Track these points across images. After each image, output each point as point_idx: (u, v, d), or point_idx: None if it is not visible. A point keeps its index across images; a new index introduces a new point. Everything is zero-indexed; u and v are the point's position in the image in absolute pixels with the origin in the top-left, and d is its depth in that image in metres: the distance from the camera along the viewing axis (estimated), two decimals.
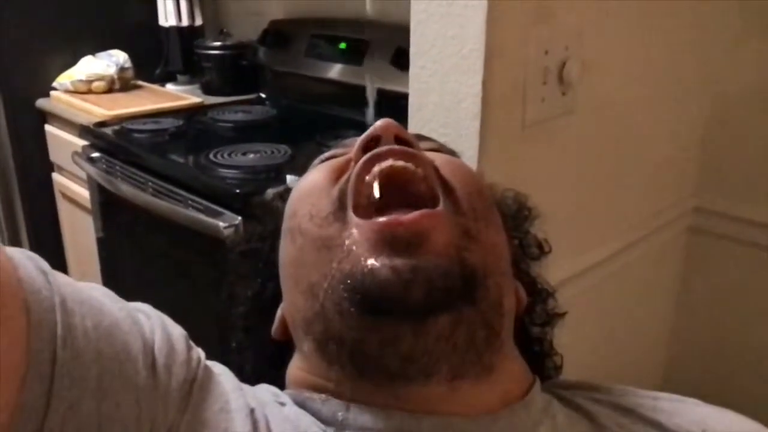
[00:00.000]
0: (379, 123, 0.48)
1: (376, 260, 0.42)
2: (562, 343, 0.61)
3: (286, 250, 0.49)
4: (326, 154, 0.54)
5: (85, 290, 0.40)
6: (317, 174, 0.50)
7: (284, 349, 0.51)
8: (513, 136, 0.78)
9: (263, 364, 0.55)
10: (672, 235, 1.14)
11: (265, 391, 0.47)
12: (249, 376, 0.50)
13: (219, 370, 0.45)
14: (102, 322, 0.38)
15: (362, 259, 0.42)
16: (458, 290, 0.42)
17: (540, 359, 0.58)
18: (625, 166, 0.98)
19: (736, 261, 1.13)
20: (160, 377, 0.39)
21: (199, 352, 0.44)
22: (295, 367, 0.49)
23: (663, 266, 1.16)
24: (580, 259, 0.93)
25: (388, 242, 0.42)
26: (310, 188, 0.49)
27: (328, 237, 0.45)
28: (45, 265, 0.39)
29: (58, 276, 0.39)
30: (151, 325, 0.42)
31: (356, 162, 0.47)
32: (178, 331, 0.43)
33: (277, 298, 0.52)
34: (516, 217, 0.59)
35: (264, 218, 0.58)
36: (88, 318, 0.38)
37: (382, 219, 0.43)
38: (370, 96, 1.58)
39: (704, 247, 1.16)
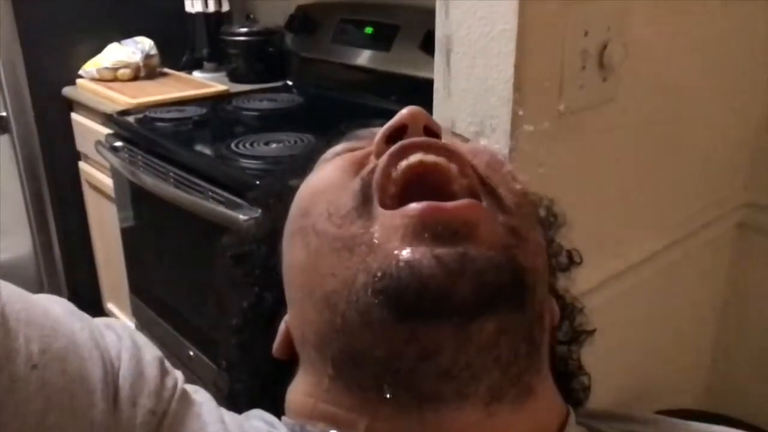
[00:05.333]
0: (405, 111, 0.41)
1: (413, 251, 0.35)
2: (593, 358, 0.55)
3: (294, 255, 0.42)
4: (339, 147, 0.47)
5: (40, 307, 0.34)
6: (332, 169, 0.43)
7: (283, 368, 0.45)
8: (548, 125, 0.72)
9: (258, 385, 0.49)
10: (720, 233, 1.06)
11: (257, 419, 0.41)
12: (240, 398, 0.45)
13: (201, 398, 0.39)
14: (53, 346, 0.33)
15: (395, 251, 0.35)
16: (508, 290, 0.36)
17: (567, 380, 0.51)
18: (669, 159, 0.91)
19: None
20: (123, 410, 0.34)
21: (176, 378, 0.38)
22: (299, 392, 0.42)
23: (709, 265, 1.09)
24: (618, 260, 0.86)
25: (430, 229, 0.35)
26: (325, 184, 0.42)
27: (350, 237, 0.38)
28: None
29: (4, 290, 0.33)
30: (120, 347, 0.36)
31: (378, 155, 0.41)
32: (150, 355, 0.37)
33: (276, 309, 0.46)
34: (543, 223, 0.52)
35: (269, 215, 0.53)
36: (35, 341, 0.32)
37: (417, 205, 0.36)
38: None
39: (754, 245, 1.08)
